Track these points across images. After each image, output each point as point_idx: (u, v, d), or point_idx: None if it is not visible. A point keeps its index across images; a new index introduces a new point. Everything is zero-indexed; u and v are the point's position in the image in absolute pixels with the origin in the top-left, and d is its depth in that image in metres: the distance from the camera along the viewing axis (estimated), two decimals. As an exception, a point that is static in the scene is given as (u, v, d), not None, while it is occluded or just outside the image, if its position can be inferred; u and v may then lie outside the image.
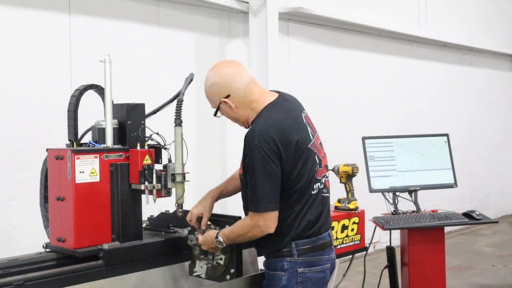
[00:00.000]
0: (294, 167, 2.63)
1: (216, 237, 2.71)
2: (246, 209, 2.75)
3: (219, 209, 2.99)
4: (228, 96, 2.71)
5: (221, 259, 2.81)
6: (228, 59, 6.03)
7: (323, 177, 2.79)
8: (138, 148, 2.81)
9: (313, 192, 2.71)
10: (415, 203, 4.32)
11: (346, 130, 7.17)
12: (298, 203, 2.67)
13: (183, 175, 2.82)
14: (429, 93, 8.82)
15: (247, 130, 2.78)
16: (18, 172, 4.45)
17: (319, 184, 2.74)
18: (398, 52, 8.29)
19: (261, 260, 3.17)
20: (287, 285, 2.68)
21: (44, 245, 2.84)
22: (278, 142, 2.58)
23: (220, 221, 2.87)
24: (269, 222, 2.60)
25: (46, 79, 4.63)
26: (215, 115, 2.80)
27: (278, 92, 2.84)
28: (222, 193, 2.99)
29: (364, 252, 3.94)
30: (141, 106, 2.95)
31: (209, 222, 2.86)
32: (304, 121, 2.77)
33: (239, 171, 2.81)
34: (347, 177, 3.90)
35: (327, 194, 2.82)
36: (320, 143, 2.84)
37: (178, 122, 2.80)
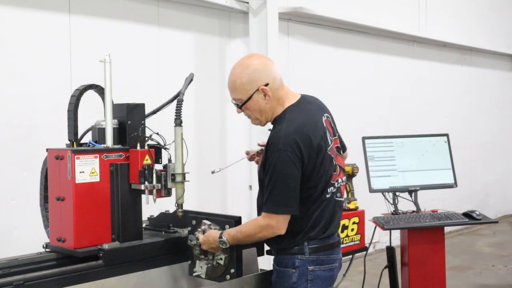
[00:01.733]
0: (313, 171, 2.66)
1: (220, 237, 2.71)
2: (260, 207, 2.76)
3: (219, 209, 3.00)
4: (267, 85, 2.70)
5: (221, 259, 2.81)
6: (228, 59, 6.06)
7: (337, 181, 2.80)
8: (138, 148, 2.81)
9: (327, 196, 2.73)
10: (415, 203, 4.32)
11: (346, 130, 7.14)
12: (312, 205, 2.70)
13: (183, 175, 2.82)
14: (429, 93, 8.82)
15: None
16: (18, 172, 4.45)
17: (332, 188, 2.76)
18: (398, 52, 8.29)
19: (261, 260, 3.18)
20: (297, 282, 2.71)
21: (44, 245, 2.84)
22: (302, 146, 2.60)
23: (219, 221, 2.86)
24: (282, 224, 2.63)
25: (46, 79, 4.63)
26: (240, 107, 2.76)
27: (300, 94, 2.86)
28: None
29: (364, 252, 3.94)
30: (141, 106, 2.96)
31: (209, 222, 2.86)
32: (324, 125, 2.77)
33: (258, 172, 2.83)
34: (347, 177, 3.91)
35: (341, 199, 2.84)
36: (337, 147, 2.85)
37: (178, 122, 2.80)
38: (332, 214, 2.77)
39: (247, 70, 2.70)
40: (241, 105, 2.75)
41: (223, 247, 2.73)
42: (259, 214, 2.77)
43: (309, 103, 2.82)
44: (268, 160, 2.63)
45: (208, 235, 2.79)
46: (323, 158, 2.69)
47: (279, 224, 2.62)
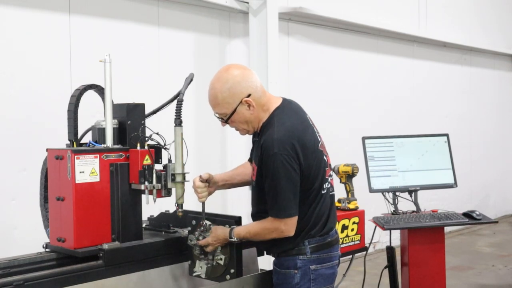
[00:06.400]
0: (310, 169, 2.68)
1: (231, 237, 2.73)
2: (256, 214, 2.79)
3: (219, 208, 2.99)
4: (249, 96, 2.68)
5: (221, 259, 2.81)
6: (228, 59, 6.06)
7: (329, 176, 2.85)
8: (138, 148, 2.81)
9: (323, 192, 2.77)
10: (415, 203, 4.33)
11: (346, 130, 7.17)
12: (312, 203, 2.73)
13: (183, 175, 2.82)
14: (429, 93, 8.82)
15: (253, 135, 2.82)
16: (18, 172, 4.45)
17: (327, 183, 2.81)
18: (398, 52, 8.29)
19: (261, 260, 3.18)
20: (300, 283, 2.73)
21: (44, 245, 2.84)
22: (297, 147, 2.62)
23: (219, 221, 2.86)
24: (290, 227, 2.66)
25: (46, 79, 4.63)
26: (226, 121, 2.75)
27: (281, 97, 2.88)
28: (227, 182, 2.99)
29: (364, 252, 3.94)
30: (141, 106, 2.96)
31: (209, 222, 2.86)
32: (311, 122, 2.83)
33: (251, 177, 2.83)
34: (347, 177, 3.91)
35: (333, 192, 2.89)
36: (323, 143, 2.88)
37: (178, 122, 2.80)
38: (330, 208, 2.82)
39: (227, 84, 2.67)
40: (226, 119, 2.74)
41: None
42: (253, 219, 2.79)
43: (291, 103, 2.85)
44: (265, 166, 2.64)
45: (216, 231, 2.78)
46: (317, 154, 2.72)
47: (288, 227, 2.65)
